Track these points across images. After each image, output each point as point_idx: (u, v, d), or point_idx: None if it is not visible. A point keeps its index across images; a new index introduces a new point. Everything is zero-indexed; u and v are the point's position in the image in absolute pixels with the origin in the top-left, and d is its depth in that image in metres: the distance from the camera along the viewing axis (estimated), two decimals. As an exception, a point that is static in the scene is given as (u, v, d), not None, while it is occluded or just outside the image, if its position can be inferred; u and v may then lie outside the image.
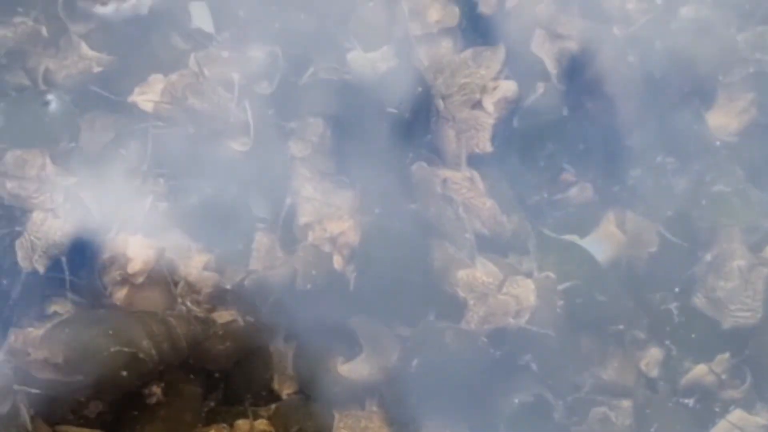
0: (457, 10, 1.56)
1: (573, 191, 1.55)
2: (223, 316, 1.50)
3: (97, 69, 1.53)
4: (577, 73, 1.56)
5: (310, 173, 1.54)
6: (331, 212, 1.54)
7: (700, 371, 1.52)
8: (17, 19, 1.53)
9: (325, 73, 1.57)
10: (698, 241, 1.55)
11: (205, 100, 1.52)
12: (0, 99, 1.52)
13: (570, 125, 1.55)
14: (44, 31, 1.52)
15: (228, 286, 1.50)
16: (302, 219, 1.53)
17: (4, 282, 1.47)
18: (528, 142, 1.55)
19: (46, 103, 1.50)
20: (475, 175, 1.55)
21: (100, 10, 1.52)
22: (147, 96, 1.51)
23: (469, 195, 1.55)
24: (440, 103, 1.55)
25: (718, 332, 1.52)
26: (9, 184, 1.50)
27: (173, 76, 1.52)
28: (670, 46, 1.58)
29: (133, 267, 1.46)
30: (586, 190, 1.55)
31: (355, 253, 1.54)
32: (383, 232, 1.55)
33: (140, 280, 1.46)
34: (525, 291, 1.50)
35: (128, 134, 1.53)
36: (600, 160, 1.55)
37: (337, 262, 1.54)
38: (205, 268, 1.51)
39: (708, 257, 1.54)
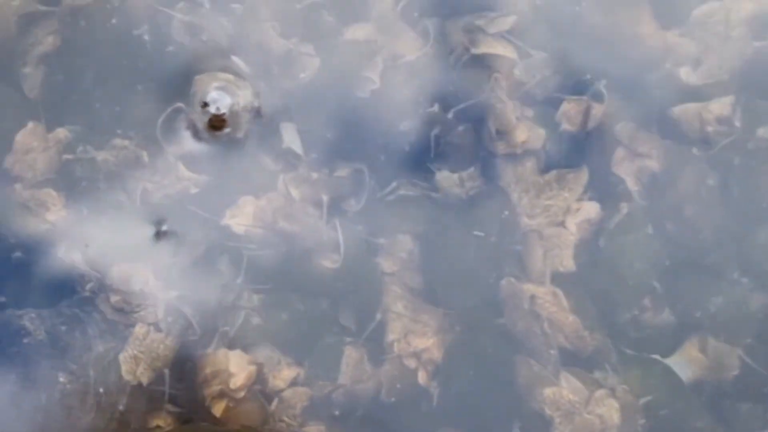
0: (542, 131, 1.62)
1: (656, 312, 1.58)
2: (312, 430, 1.55)
3: (194, 190, 1.62)
4: (659, 192, 1.61)
5: (400, 289, 1.60)
6: (417, 328, 1.59)
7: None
8: (117, 142, 1.63)
9: (409, 189, 1.63)
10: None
11: (295, 222, 1.59)
12: (101, 216, 1.62)
13: (655, 244, 1.59)
14: (145, 156, 1.61)
15: (318, 400, 1.56)
16: (390, 335, 1.59)
17: (109, 397, 1.55)
18: (614, 261, 1.59)
19: (161, 234, 1.59)
20: (559, 291, 1.60)
21: (196, 134, 1.62)
22: (238, 219, 1.59)
23: (552, 310, 1.59)
24: (525, 222, 1.60)
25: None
26: (113, 298, 1.59)
27: (263, 201, 1.60)
28: (748, 164, 1.62)
29: (236, 382, 1.53)
30: (667, 313, 1.58)
31: (439, 369, 1.59)
32: (468, 348, 1.59)
33: (241, 394, 1.53)
34: (609, 410, 1.53)
35: (220, 251, 1.61)
36: (682, 280, 1.58)
37: (422, 377, 1.58)
38: (295, 381, 1.57)
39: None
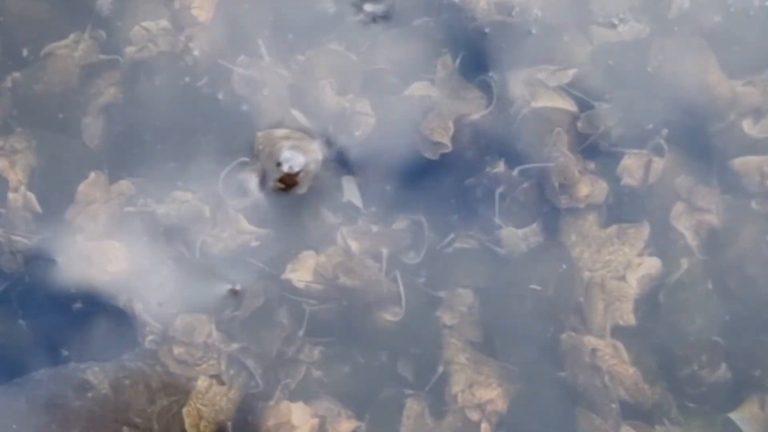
0: (605, 185, 1.62)
1: (714, 368, 1.58)
2: (375, 484, 1.57)
3: (254, 243, 1.63)
4: (718, 247, 1.60)
5: (460, 342, 1.61)
6: (481, 379, 1.60)
7: None
8: (178, 195, 1.65)
9: (467, 242, 1.64)
10: None
11: (355, 276, 1.60)
12: (162, 268, 1.63)
13: (714, 299, 1.58)
14: (207, 210, 1.62)
15: (380, 454, 1.57)
16: (454, 387, 1.59)
17: (175, 451, 1.57)
18: (673, 316, 1.59)
19: (233, 292, 1.60)
20: (620, 345, 1.60)
21: (262, 190, 1.63)
22: (299, 274, 1.60)
23: (612, 363, 1.59)
24: (587, 275, 1.60)
25: None
26: (177, 350, 1.60)
27: (323, 257, 1.61)
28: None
29: (299, 437, 1.54)
30: (725, 369, 1.58)
31: (503, 421, 1.59)
32: (530, 400, 1.60)
33: (304, 449, 1.55)
34: (673, 467, 1.53)
35: (280, 303, 1.62)
36: (742, 337, 1.58)
37: (485, 429, 1.59)
38: (356, 434, 1.59)
39: None
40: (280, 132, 1.62)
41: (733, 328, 1.59)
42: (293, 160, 1.57)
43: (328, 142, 1.64)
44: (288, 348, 1.61)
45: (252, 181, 1.63)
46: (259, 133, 1.63)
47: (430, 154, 1.65)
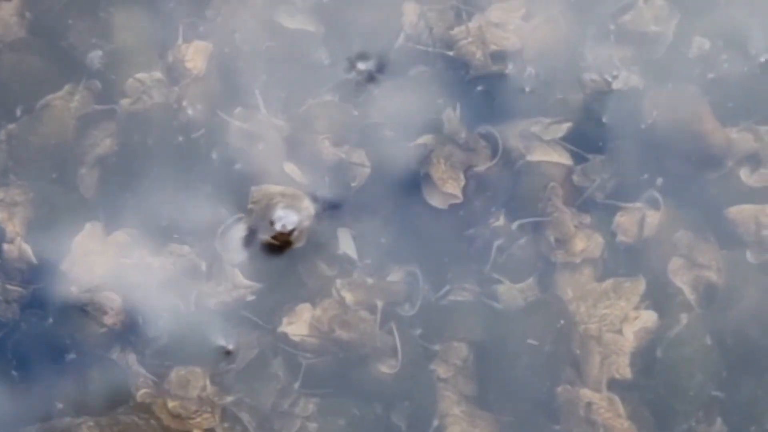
0: (601, 239, 1.62)
1: (709, 423, 1.57)
2: None
3: (250, 298, 1.63)
4: (717, 303, 1.59)
5: (456, 396, 1.60)
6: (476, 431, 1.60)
7: None
8: (174, 248, 1.65)
9: (462, 294, 1.63)
10: None
11: (351, 329, 1.59)
12: (157, 320, 1.63)
13: (714, 355, 1.58)
14: (203, 265, 1.62)
15: None
16: (448, 441, 1.59)
17: (169, 508, 1.56)
18: (671, 370, 1.58)
19: (227, 354, 1.60)
20: (615, 398, 1.59)
21: (256, 247, 1.63)
22: (295, 327, 1.59)
23: (607, 416, 1.58)
24: (583, 328, 1.60)
25: None
26: (171, 404, 1.60)
27: (318, 310, 1.60)
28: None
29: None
30: (720, 424, 1.57)
31: (500, 475, 1.59)
32: (525, 455, 1.59)
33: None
34: None
35: (275, 355, 1.62)
36: (739, 393, 1.57)
37: (480, 483, 1.58)
38: (350, 487, 1.58)
39: None
40: (275, 188, 1.62)
41: (730, 384, 1.58)
42: (286, 218, 1.58)
43: (323, 195, 1.64)
44: (283, 401, 1.61)
45: (247, 236, 1.63)
46: (254, 188, 1.64)
47: (438, 204, 1.65)
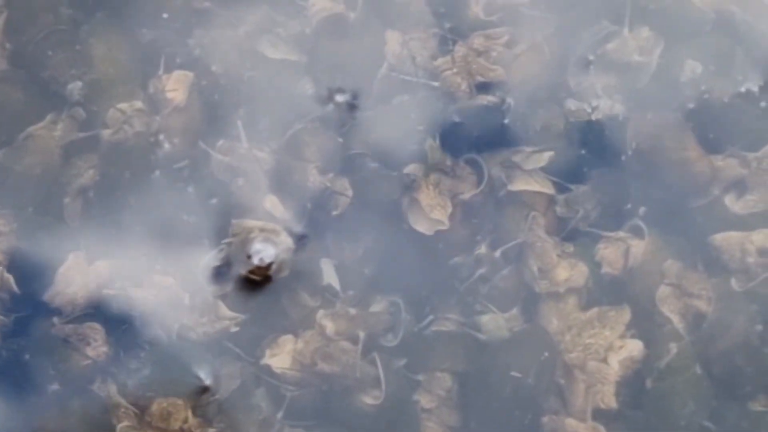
0: (585, 269, 1.61)
1: (702, 453, 1.56)
2: None
3: (234, 329, 1.62)
4: (706, 333, 1.58)
5: (439, 426, 1.59)
6: (458, 466, 1.58)
7: None
8: (156, 279, 1.64)
9: (445, 324, 1.62)
10: None
11: (333, 362, 1.58)
12: (139, 351, 1.62)
13: (704, 384, 1.56)
14: (187, 299, 1.61)
15: None
16: (430, 475, 1.58)
17: None
18: (659, 400, 1.57)
19: (204, 390, 1.59)
20: (601, 428, 1.57)
21: (232, 276, 1.63)
22: (277, 359, 1.58)
23: (593, 446, 1.57)
24: (567, 357, 1.58)
25: None
26: (152, 437, 1.59)
27: (300, 343, 1.59)
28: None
29: None
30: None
31: (481, 508, 1.57)
32: (509, 487, 1.58)
33: None
34: None
35: (257, 385, 1.61)
36: (729, 421, 1.56)
37: None
38: None
39: None
40: (253, 223, 1.62)
41: (719, 413, 1.56)
42: (264, 252, 1.57)
43: (303, 228, 1.64)
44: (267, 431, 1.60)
45: (227, 269, 1.63)
46: (234, 221, 1.63)
47: (424, 230, 1.64)
